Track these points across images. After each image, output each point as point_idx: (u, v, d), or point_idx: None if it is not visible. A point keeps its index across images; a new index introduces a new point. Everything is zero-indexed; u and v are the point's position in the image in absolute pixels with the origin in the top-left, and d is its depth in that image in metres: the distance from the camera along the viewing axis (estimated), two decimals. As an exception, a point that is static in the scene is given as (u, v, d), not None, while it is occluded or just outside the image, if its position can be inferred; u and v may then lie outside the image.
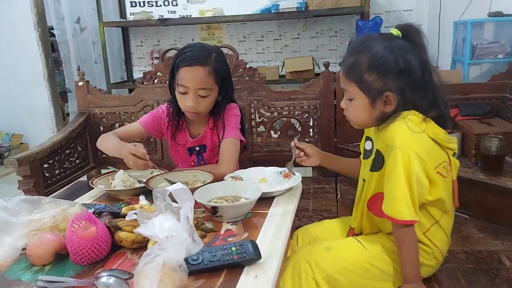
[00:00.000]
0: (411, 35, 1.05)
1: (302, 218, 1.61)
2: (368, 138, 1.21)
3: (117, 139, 1.50)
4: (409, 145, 0.99)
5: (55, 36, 3.96)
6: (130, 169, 1.42)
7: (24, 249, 0.94)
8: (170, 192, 0.88)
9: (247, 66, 1.92)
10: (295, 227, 1.35)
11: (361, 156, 1.26)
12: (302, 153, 1.34)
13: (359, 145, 1.91)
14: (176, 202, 0.88)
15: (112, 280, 0.81)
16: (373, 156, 1.11)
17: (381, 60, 1.03)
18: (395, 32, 1.07)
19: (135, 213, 0.86)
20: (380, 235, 1.15)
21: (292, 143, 1.35)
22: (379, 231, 1.17)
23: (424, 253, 1.08)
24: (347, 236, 1.24)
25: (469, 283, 1.13)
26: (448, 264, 1.20)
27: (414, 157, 0.98)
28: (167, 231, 0.80)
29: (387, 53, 1.03)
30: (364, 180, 1.18)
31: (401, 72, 1.02)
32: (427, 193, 1.03)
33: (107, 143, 1.50)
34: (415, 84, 1.03)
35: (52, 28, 3.95)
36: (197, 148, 1.59)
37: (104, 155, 2.05)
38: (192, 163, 1.61)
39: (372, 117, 1.09)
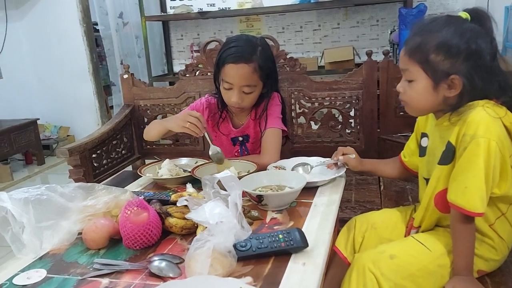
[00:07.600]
0: (481, 19, 1.01)
1: (344, 209, 1.59)
2: (424, 135, 1.17)
3: None
4: (491, 134, 0.94)
5: (98, 32, 4.10)
6: (176, 158, 1.46)
7: (80, 233, 0.99)
8: (219, 180, 0.90)
9: (288, 56, 1.92)
10: (338, 218, 1.34)
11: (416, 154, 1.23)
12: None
13: (403, 136, 1.90)
14: (225, 189, 0.90)
15: (164, 264, 0.84)
16: (443, 148, 1.04)
17: (451, 41, 0.98)
18: (464, 15, 1.02)
19: (186, 199, 0.88)
20: (438, 230, 1.12)
21: (336, 158, 1.32)
22: (436, 225, 1.14)
23: (490, 247, 1.04)
24: (406, 226, 1.21)
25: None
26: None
27: (495, 146, 0.94)
28: (217, 217, 0.81)
29: (458, 35, 0.98)
30: (425, 179, 1.14)
31: (472, 55, 0.98)
32: (495, 186, 0.98)
33: (156, 125, 1.54)
34: (485, 69, 0.99)
35: (96, 24, 4.08)
36: (240, 138, 1.61)
37: (148, 146, 2.12)
38: (236, 153, 1.62)
39: (433, 101, 1.04)
